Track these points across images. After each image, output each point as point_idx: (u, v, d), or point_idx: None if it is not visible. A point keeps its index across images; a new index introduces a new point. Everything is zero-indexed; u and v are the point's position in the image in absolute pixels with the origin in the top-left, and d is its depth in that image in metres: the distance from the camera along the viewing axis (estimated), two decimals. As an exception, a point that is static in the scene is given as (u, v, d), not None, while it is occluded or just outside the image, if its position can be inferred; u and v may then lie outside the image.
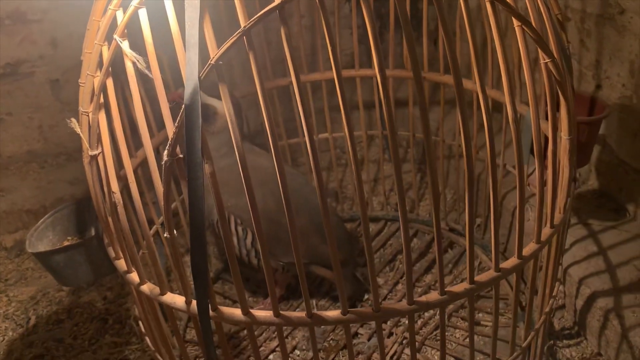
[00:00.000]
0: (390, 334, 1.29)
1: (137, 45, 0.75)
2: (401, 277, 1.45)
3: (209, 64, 0.67)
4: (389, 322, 1.32)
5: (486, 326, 1.29)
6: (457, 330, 1.29)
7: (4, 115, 1.84)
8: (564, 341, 1.22)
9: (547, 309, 0.95)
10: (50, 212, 1.17)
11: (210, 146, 0.71)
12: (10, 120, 1.85)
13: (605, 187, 1.39)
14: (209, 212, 1.23)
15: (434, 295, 0.76)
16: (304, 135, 1.55)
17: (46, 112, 1.87)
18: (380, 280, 1.45)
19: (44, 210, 1.79)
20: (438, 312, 1.31)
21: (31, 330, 1.44)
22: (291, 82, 1.48)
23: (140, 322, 1.03)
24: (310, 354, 1.27)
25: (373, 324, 1.32)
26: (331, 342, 1.30)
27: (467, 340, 1.25)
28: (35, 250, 1.09)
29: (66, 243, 1.14)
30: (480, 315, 1.32)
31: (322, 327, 1.34)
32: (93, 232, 1.05)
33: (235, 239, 1.27)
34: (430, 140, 0.69)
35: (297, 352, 1.28)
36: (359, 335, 1.31)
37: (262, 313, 0.77)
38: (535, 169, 1.21)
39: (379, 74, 0.66)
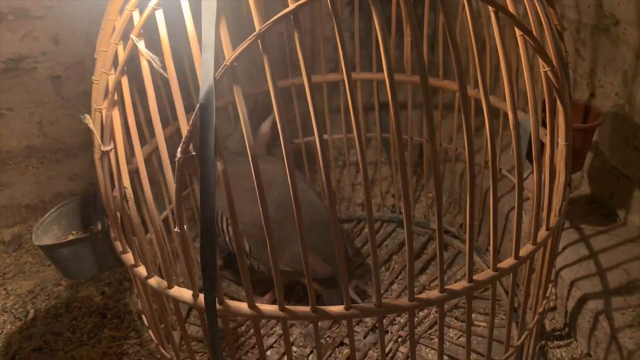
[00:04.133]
0: (386, 332, 1.32)
1: (152, 46, 0.78)
2: (397, 277, 1.48)
3: (224, 65, 0.69)
4: (384, 321, 1.35)
5: (479, 326, 1.32)
6: (451, 330, 1.32)
7: (4, 110, 1.85)
8: (555, 342, 1.26)
9: (540, 309, 0.98)
10: (55, 206, 1.18)
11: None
12: (10, 115, 1.86)
13: (597, 192, 1.43)
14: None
15: (434, 293, 0.79)
16: (304, 137, 1.58)
17: (46, 107, 1.88)
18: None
19: (42, 206, 1.80)
20: (432, 311, 1.35)
21: (30, 323, 1.45)
22: (293, 84, 1.52)
23: (143, 316, 1.05)
24: (307, 350, 1.29)
25: (369, 322, 1.35)
26: (327, 339, 1.32)
27: (461, 339, 1.28)
28: (42, 243, 1.11)
29: (71, 237, 1.16)
30: (474, 315, 1.35)
31: (320, 323, 1.36)
32: (99, 227, 1.07)
33: (227, 238, 1.29)
34: (435, 144, 0.72)
35: (294, 348, 1.30)
36: (355, 333, 1.33)
37: (268, 307, 0.79)
38: (530, 174, 1.25)
39: (388, 78, 0.69)
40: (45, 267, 1.63)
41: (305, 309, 0.79)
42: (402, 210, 0.73)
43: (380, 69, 1.51)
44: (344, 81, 1.54)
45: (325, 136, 1.59)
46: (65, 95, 1.88)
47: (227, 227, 1.28)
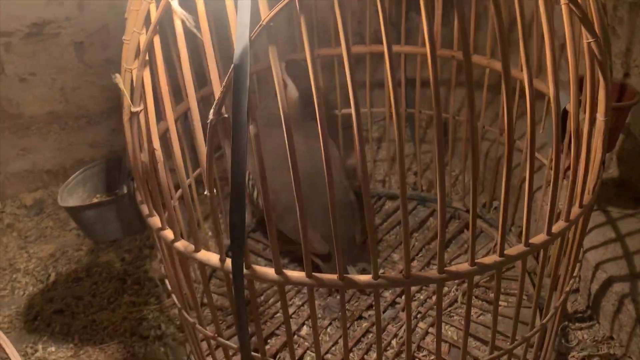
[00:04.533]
0: (403, 310, 1.31)
1: (185, 5, 0.76)
2: (417, 254, 1.47)
3: (260, 24, 0.67)
4: (404, 297, 1.34)
5: (500, 306, 1.31)
6: (472, 308, 1.31)
7: (28, 75, 1.85)
8: (577, 324, 1.25)
9: (567, 288, 0.97)
10: (80, 169, 1.19)
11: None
12: (33, 80, 1.86)
13: (626, 175, 1.40)
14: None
15: (463, 266, 0.78)
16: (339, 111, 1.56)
17: (69, 74, 1.88)
18: (395, 257, 1.47)
19: (64, 172, 1.81)
20: (453, 289, 1.34)
21: (51, 286, 1.47)
22: (319, 56, 1.49)
23: (166, 281, 1.05)
24: (326, 322, 1.29)
25: (388, 297, 1.34)
26: (347, 312, 1.32)
27: (481, 317, 1.27)
28: (67, 204, 1.11)
29: (95, 200, 1.16)
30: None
31: (338, 297, 1.36)
32: (124, 190, 1.07)
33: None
34: (475, 124, 0.70)
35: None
36: (373, 308, 1.33)
37: (295, 273, 0.79)
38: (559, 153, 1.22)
39: (430, 53, 0.66)
40: (66, 232, 1.64)
41: (333, 276, 0.78)
42: (437, 181, 0.72)
43: (407, 41, 1.49)
44: (369, 54, 1.51)
45: (364, 109, 1.56)
46: (88, 62, 1.88)
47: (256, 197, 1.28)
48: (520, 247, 0.80)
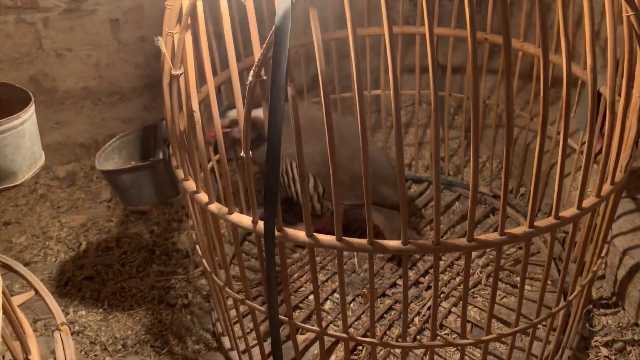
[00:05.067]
0: (428, 287, 1.32)
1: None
2: (442, 237, 1.47)
3: (303, -13, 0.69)
4: (427, 277, 1.35)
5: (525, 290, 1.31)
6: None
7: (64, 50, 1.90)
8: (601, 310, 1.24)
9: (595, 268, 0.97)
10: (114, 137, 1.22)
11: None
12: (69, 56, 1.91)
13: (656, 164, 1.39)
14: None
15: (493, 235, 0.79)
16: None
17: (104, 50, 1.92)
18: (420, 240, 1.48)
19: (96, 145, 1.85)
20: (477, 271, 1.35)
21: (82, 254, 1.51)
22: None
23: (197, 246, 1.07)
24: (350, 297, 1.31)
25: (412, 276, 1.35)
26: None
27: (504, 299, 1.28)
28: (104, 168, 1.14)
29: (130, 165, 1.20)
30: (517, 279, 1.34)
31: (362, 274, 1.38)
32: (160, 157, 1.10)
33: (316, 197, 1.31)
34: (511, 111, 0.71)
35: (335, 295, 1.32)
36: (397, 285, 1.34)
37: (325, 237, 0.81)
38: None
39: (471, 36, 0.67)
40: (97, 204, 1.68)
41: (363, 241, 0.79)
42: (471, 161, 0.72)
43: (440, 25, 1.49)
44: (401, 35, 1.50)
45: (386, 91, 1.56)
46: (122, 39, 1.91)
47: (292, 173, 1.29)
48: (550, 220, 0.80)
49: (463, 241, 0.78)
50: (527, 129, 1.49)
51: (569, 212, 0.82)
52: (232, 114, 1.27)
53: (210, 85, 0.80)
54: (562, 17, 0.70)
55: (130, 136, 1.21)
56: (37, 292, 0.84)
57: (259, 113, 1.19)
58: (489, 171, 1.65)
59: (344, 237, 0.80)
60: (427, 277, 1.36)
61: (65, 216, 1.65)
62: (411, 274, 1.36)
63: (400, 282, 1.35)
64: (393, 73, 0.70)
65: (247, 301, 0.94)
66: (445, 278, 1.35)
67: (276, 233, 0.81)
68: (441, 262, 1.39)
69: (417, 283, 1.34)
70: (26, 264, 1.49)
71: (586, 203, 0.83)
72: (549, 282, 1.32)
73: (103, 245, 1.53)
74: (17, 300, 0.86)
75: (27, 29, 1.83)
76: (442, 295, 1.30)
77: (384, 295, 1.32)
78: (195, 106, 0.83)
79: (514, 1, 1.74)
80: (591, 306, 1.23)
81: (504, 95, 1.61)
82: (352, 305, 1.31)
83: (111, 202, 1.68)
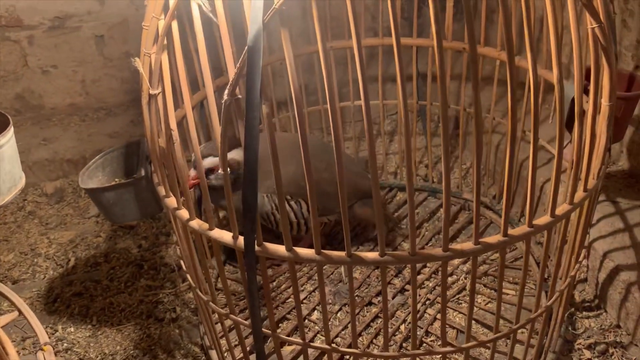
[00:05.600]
0: (414, 295, 1.34)
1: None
2: (427, 244, 1.49)
3: (273, 8, 0.71)
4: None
5: (507, 294, 1.32)
6: (479, 296, 1.33)
7: (50, 67, 1.91)
8: (584, 312, 1.26)
9: (572, 273, 0.98)
10: (100, 153, 1.23)
11: None
12: (55, 72, 1.92)
13: (635, 167, 1.41)
14: (260, 205, 1.26)
15: (468, 245, 0.80)
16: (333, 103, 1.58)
17: (89, 67, 1.93)
18: (406, 246, 1.50)
19: (83, 161, 1.86)
20: (461, 277, 1.36)
21: (70, 270, 1.52)
22: (332, 48, 1.51)
23: (181, 261, 1.09)
24: (337, 307, 1.32)
25: (397, 284, 1.37)
26: (357, 298, 1.35)
27: (489, 305, 1.29)
28: (87, 186, 1.16)
29: (114, 183, 1.21)
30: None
31: (347, 284, 1.39)
32: (142, 174, 1.11)
33: (292, 215, 1.31)
34: (480, 114, 0.72)
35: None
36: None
37: (305, 250, 0.82)
38: (568, 143, 1.24)
39: (437, 47, 0.69)
40: (85, 220, 1.69)
41: (341, 253, 0.81)
42: (443, 171, 0.74)
43: (420, 35, 1.51)
44: (382, 47, 1.53)
45: (377, 102, 1.58)
46: (108, 55, 1.93)
47: (289, 204, 1.29)
48: (524, 228, 0.82)
49: (439, 251, 0.80)
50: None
51: (543, 219, 0.83)
52: (207, 162, 1.21)
53: (187, 106, 0.81)
54: (527, 25, 0.72)
55: (114, 153, 1.22)
56: (20, 312, 0.85)
57: (234, 155, 1.21)
58: (473, 177, 1.66)
59: (322, 251, 0.81)
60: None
61: (54, 232, 1.66)
62: (397, 281, 1.38)
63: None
64: (363, 85, 0.71)
65: (232, 315, 0.96)
66: (430, 285, 1.36)
67: (256, 248, 0.82)
68: (426, 269, 1.40)
69: (402, 290, 1.36)
70: (15, 282, 1.49)
71: (559, 210, 0.85)
72: (533, 285, 1.33)
73: (91, 260, 1.54)
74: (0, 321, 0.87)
75: (12, 47, 1.84)
76: (427, 302, 1.32)
77: (370, 303, 1.33)
78: (173, 125, 0.84)
79: (494, 9, 1.77)
80: (573, 309, 1.25)
81: (487, 103, 1.63)
82: (339, 314, 1.32)
83: (99, 217, 1.69)
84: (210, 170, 1.22)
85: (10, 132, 0.91)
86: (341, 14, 1.76)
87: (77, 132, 1.92)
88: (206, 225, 0.88)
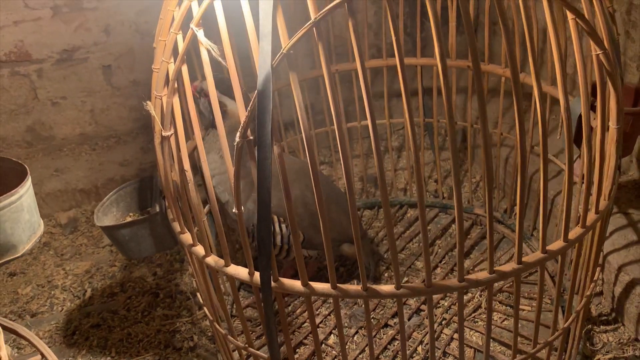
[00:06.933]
0: (430, 315, 1.34)
1: (210, 35, 0.81)
2: (440, 261, 1.50)
3: (281, 52, 0.72)
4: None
5: (524, 310, 1.32)
6: (495, 313, 1.33)
7: (59, 99, 1.94)
8: (601, 327, 1.26)
9: (588, 292, 0.98)
10: (111, 190, 1.25)
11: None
12: (64, 103, 1.94)
13: (645, 177, 1.41)
14: (250, 216, 1.28)
15: (483, 274, 0.81)
16: (335, 124, 1.60)
17: (98, 96, 1.96)
18: (419, 264, 1.50)
19: (96, 190, 1.88)
20: (476, 295, 1.36)
21: (87, 301, 1.53)
22: (337, 71, 1.53)
23: (198, 294, 1.10)
24: (353, 330, 1.33)
25: (413, 305, 1.37)
26: (372, 320, 1.35)
27: (505, 322, 1.29)
28: (103, 224, 1.17)
29: (129, 219, 1.22)
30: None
31: (362, 306, 1.39)
32: (156, 209, 1.13)
33: (279, 238, 1.33)
34: (486, 129, 0.73)
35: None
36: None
37: (321, 285, 0.83)
38: (577, 158, 1.25)
39: (440, 62, 0.70)
40: (100, 249, 1.71)
41: (357, 287, 0.82)
42: (454, 189, 0.75)
43: (424, 54, 1.52)
44: (386, 67, 1.54)
45: (383, 120, 1.60)
46: (116, 84, 1.95)
47: (279, 226, 1.31)
48: (537, 254, 0.83)
49: (454, 282, 0.80)
50: (517, 148, 1.51)
51: (556, 244, 0.84)
52: (205, 84, 1.19)
53: (199, 144, 0.83)
54: (530, 46, 0.73)
55: (127, 189, 1.24)
56: (43, 355, 0.87)
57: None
58: (483, 191, 1.67)
59: (338, 285, 0.82)
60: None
61: (70, 263, 1.67)
62: (412, 302, 1.38)
63: (401, 311, 1.36)
64: (369, 103, 0.72)
65: (250, 349, 0.96)
66: (446, 304, 1.37)
67: (272, 284, 0.83)
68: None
69: (418, 311, 1.36)
70: (33, 315, 1.51)
71: (572, 234, 0.85)
72: (549, 301, 1.33)
73: (108, 291, 1.56)
74: (24, 364, 0.88)
75: (22, 80, 1.87)
76: (443, 322, 1.32)
77: (386, 325, 1.34)
78: (186, 166, 0.85)
79: (496, 20, 1.78)
80: (591, 325, 1.25)
81: (496, 119, 1.64)
82: (355, 338, 1.32)
83: (113, 246, 1.70)
84: (204, 93, 1.24)
85: (28, 182, 0.92)
86: (344, 33, 1.78)
87: (88, 162, 1.94)
88: (222, 262, 0.89)
